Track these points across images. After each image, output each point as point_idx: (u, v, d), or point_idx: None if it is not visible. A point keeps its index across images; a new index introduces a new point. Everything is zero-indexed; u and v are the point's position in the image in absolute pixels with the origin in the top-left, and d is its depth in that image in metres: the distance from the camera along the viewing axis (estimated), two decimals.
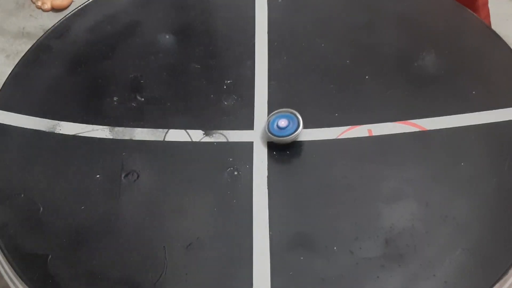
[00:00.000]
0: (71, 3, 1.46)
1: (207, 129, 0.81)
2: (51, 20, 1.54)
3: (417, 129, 0.80)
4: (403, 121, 0.81)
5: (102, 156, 0.80)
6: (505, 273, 0.68)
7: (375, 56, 0.89)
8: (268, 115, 0.80)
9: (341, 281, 0.68)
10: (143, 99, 0.85)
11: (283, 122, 0.78)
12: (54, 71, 0.89)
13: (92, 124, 0.82)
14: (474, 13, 0.95)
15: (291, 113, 0.79)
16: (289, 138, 0.78)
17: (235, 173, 0.77)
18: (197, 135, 0.81)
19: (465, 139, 0.79)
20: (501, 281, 0.67)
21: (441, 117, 0.81)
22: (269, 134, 0.78)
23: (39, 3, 1.40)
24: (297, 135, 0.78)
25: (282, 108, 0.80)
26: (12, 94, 0.86)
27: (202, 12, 0.96)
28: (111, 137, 0.81)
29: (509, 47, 0.88)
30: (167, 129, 0.81)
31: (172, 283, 0.69)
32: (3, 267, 0.73)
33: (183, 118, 0.83)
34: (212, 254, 0.71)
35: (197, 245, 0.71)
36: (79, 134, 0.81)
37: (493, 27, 1.06)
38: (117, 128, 0.82)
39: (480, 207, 0.73)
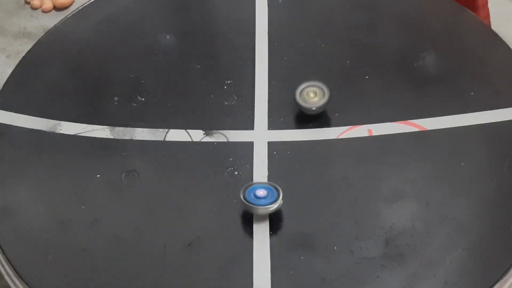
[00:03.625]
0: (73, 2, 1.46)
1: (207, 129, 0.81)
2: (51, 20, 1.54)
3: (417, 129, 0.80)
4: (403, 121, 0.81)
5: (102, 156, 0.80)
6: (505, 273, 0.68)
7: (375, 56, 0.89)
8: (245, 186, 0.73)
9: (341, 280, 0.68)
10: (143, 99, 0.85)
11: (261, 192, 0.71)
12: (54, 71, 0.89)
13: (93, 124, 0.82)
14: (474, 13, 0.95)
15: (270, 185, 0.72)
16: (266, 208, 0.71)
17: (235, 173, 0.77)
18: (197, 135, 0.81)
19: (465, 139, 0.79)
20: (501, 281, 0.67)
21: (441, 117, 0.81)
22: (245, 201, 0.71)
23: (36, 2, 1.38)
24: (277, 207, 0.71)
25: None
26: (12, 94, 0.87)
27: (202, 12, 0.96)
28: (112, 137, 0.81)
29: (509, 47, 0.88)
30: (167, 129, 0.81)
31: (172, 283, 0.69)
32: (3, 267, 0.73)
33: (183, 118, 0.83)
34: (212, 254, 0.71)
35: (197, 245, 0.71)
36: (80, 134, 0.81)
37: (493, 27, 1.06)
38: (117, 128, 0.82)
39: (480, 207, 0.73)
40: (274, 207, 0.70)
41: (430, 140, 0.79)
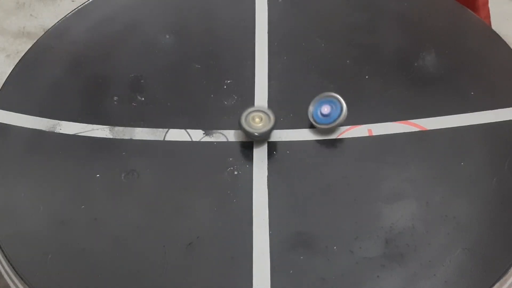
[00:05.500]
0: None
1: (207, 128, 0.81)
2: (51, 20, 1.54)
3: (417, 129, 0.80)
4: (403, 121, 0.81)
5: (102, 155, 0.80)
6: (505, 273, 0.68)
7: (375, 56, 0.89)
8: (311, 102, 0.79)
9: (341, 280, 0.68)
10: (143, 99, 0.85)
11: (325, 109, 0.77)
12: (54, 71, 0.89)
13: (92, 123, 0.82)
14: (474, 13, 0.95)
15: (332, 97, 0.78)
16: (334, 125, 0.77)
17: (235, 173, 0.77)
18: (197, 135, 0.81)
19: (465, 139, 0.79)
20: (501, 281, 0.67)
21: (441, 117, 0.81)
22: (314, 122, 0.77)
23: None
24: (342, 120, 0.77)
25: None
26: (12, 93, 0.86)
27: (202, 12, 0.96)
28: (111, 136, 0.81)
29: (509, 47, 0.88)
30: (167, 129, 0.81)
31: (172, 283, 0.69)
32: (3, 267, 0.73)
33: (183, 118, 0.83)
34: (212, 254, 0.71)
35: (197, 245, 0.71)
36: (79, 134, 0.81)
37: (493, 27, 1.06)
38: (117, 128, 0.82)
39: (480, 207, 0.73)
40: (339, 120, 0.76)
41: (430, 140, 0.79)
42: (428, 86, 0.85)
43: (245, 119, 0.78)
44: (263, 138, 0.78)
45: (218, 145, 0.80)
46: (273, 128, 0.77)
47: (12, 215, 0.75)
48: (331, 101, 0.78)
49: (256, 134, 0.77)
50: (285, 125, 0.81)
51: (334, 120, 0.77)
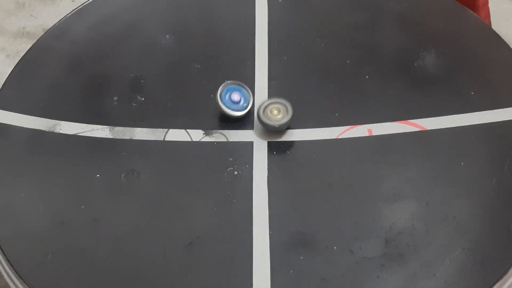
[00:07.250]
0: None
1: (207, 128, 0.81)
2: (51, 20, 1.54)
3: (417, 129, 0.80)
4: (403, 121, 0.81)
5: (102, 155, 0.80)
6: (505, 273, 0.68)
7: (375, 56, 0.89)
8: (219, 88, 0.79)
9: (341, 280, 0.68)
10: (143, 99, 0.85)
11: (236, 96, 0.77)
12: (54, 71, 0.89)
13: (92, 123, 0.82)
14: (474, 13, 0.95)
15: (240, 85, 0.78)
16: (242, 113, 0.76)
17: (235, 173, 0.77)
18: (197, 135, 0.81)
19: (465, 139, 0.79)
20: (501, 281, 0.67)
21: (441, 117, 0.81)
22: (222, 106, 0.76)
23: None
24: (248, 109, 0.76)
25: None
26: (12, 93, 0.86)
27: (202, 12, 0.96)
28: (111, 136, 0.81)
29: (509, 47, 0.88)
30: (167, 129, 0.81)
31: (172, 283, 0.69)
32: (3, 267, 0.73)
33: (183, 118, 0.83)
34: (212, 254, 0.71)
35: (197, 245, 0.71)
36: (79, 134, 0.81)
37: (493, 27, 1.06)
38: (117, 128, 0.82)
39: (480, 207, 0.73)
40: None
41: (430, 140, 0.79)
42: (428, 86, 0.85)
43: (263, 113, 0.78)
44: (283, 128, 0.79)
45: (218, 145, 0.80)
46: (292, 117, 0.78)
47: (12, 215, 0.75)
48: (240, 90, 0.77)
49: (276, 126, 0.78)
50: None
51: (244, 108, 0.77)
